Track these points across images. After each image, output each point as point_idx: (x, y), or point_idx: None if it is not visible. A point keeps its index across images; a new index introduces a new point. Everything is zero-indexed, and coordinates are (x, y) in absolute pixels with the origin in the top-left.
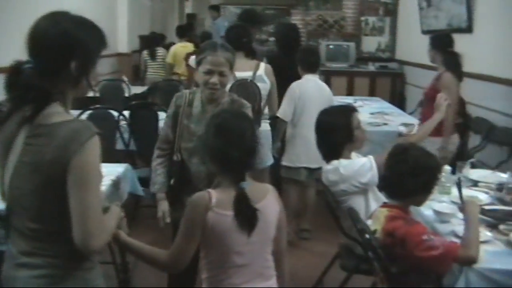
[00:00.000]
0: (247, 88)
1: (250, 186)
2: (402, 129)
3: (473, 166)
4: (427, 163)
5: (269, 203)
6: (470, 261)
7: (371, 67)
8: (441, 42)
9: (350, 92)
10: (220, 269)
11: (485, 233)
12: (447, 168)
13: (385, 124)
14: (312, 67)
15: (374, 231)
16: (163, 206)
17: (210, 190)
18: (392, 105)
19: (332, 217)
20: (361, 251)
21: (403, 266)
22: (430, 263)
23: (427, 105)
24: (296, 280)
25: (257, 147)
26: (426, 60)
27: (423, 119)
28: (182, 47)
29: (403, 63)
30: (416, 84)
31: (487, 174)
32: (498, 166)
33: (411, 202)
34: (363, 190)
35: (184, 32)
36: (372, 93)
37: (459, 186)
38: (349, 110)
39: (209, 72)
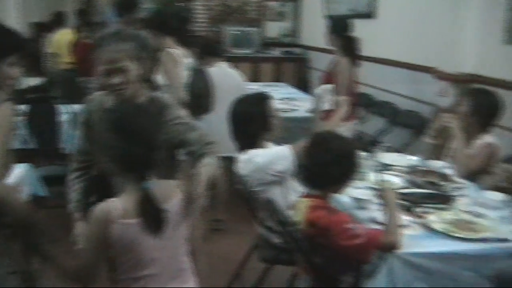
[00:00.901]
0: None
1: (157, 185)
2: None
3: (388, 150)
4: (349, 150)
5: (178, 201)
6: (392, 247)
7: (276, 52)
8: (339, 26)
9: (255, 78)
10: (134, 279)
11: (403, 217)
12: (363, 153)
13: (294, 110)
14: (211, 53)
15: (296, 222)
16: (78, 229)
17: (114, 199)
18: (298, 90)
19: (248, 208)
20: (279, 241)
21: (327, 256)
22: (353, 252)
23: None
24: (214, 275)
25: (161, 143)
26: (328, 44)
27: None
28: (63, 35)
29: (307, 48)
30: (321, 69)
31: (397, 157)
32: (404, 148)
33: (332, 191)
34: (280, 179)
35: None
36: (277, 78)
37: (377, 171)
38: (264, 98)
39: (108, 73)
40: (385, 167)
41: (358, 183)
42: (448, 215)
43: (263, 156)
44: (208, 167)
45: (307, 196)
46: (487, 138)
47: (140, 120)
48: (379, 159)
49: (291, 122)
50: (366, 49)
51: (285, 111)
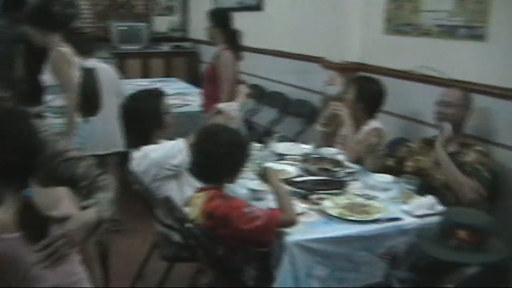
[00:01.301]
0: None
1: (40, 193)
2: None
3: (282, 140)
4: (239, 141)
5: (65, 208)
6: (290, 223)
7: (165, 47)
8: (220, 19)
9: (145, 74)
10: None
11: (299, 205)
12: (257, 144)
13: (186, 105)
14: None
15: (194, 219)
16: None
17: None
18: (189, 85)
19: (145, 206)
20: (179, 238)
21: (229, 247)
22: (255, 234)
23: (208, 84)
24: (115, 278)
25: (41, 148)
26: None
27: (206, 98)
28: None
29: (197, 42)
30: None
31: (291, 146)
32: (296, 137)
33: (226, 182)
34: (176, 173)
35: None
36: (168, 73)
37: (265, 159)
38: (158, 95)
39: None
40: (279, 157)
41: (253, 174)
42: (342, 199)
43: (158, 150)
44: (91, 210)
45: (203, 190)
46: (373, 123)
47: (11, 124)
48: (273, 149)
49: (183, 117)
50: (255, 41)
51: (178, 106)
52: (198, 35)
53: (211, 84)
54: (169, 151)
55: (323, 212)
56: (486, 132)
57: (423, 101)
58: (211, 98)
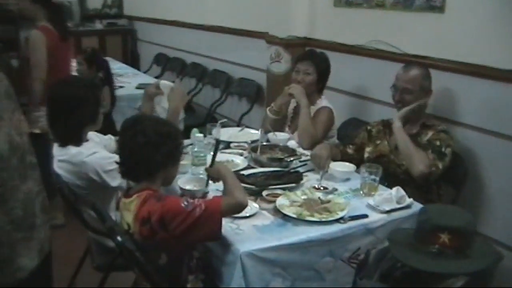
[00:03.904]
0: None
1: None
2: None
3: (225, 125)
4: (166, 130)
5: None
6: (239, 205)
7: (99, 25)
8: None
9: (77, 55)
10: None
11: (251, 205)
12: (198, 134)
13: (122, 87)
14: None
15: (128, 228)
16: None
17: None
18: (125, 64)
19: (72, 212)
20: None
21: (172, 253)
22: (197, 226)
23: None
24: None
25: None
26: (154, 14)
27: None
28: None
29: (132, 18)
30: (148, 40)
31: (236, 132)
32: (240, 119)
33: (160, 180)
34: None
35: None
36: (103, 53)
37: (215, 149)
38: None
39: None
40: (225, 145)
41: (197, 169)
42: (298, 195)
43: (87, 153)
44: None
45: (133, 192)
46: (323, 102)
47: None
48: (216, 136)
49: (120, 101)
50: (189, 16)
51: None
52: (134, 12)
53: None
54: (105, 156)
55: (277, 212)
56: (448, 111)
57: (375, 77)
58: None
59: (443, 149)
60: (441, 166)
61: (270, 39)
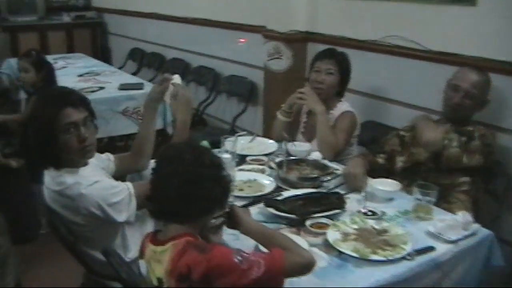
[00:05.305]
0: None
1: None
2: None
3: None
4: (219, 163)
5: None
6: (308, 265)
7: (66, 18)
8: None
9: (43, 51)
10: None
11: (298, 240)
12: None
13: (102, 88)
14: None
15: (158, 283)
16: None
17: None
18: (98, 60)
19: (68, 250)
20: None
21: None
22: None
23: None
24: None
25: None
26: (127, 6)
27: None
28: None
29: (101, 10)
30: (119, 33)
31: (248, 142)
32: (235, 121)
33: (201, 222)
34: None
35: None
36: (70, 49)
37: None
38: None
39: None
40: (239, 158)
41: None
42: (348, 224)
43: (86, 183)
44: None
45: (171, 239)
46: (343, 106)
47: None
48: (231, 150)
49: (100, 105)
50: (177, 9)
51: (92, 90)
52: (103, 3)
53: None
54: (106, 186)
55: (331, 248)
56: (489, 116)
57: (392, 75)
58: None
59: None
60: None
61: (268, 34)
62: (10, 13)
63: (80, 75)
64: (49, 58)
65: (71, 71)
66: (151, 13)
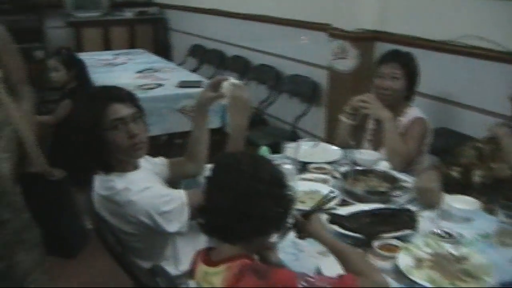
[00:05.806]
0: None
1: None
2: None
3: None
4: (281, 176)
5: None
6: None
7: (128, 13)
8: None
9: (106, 46)
10: None
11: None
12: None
13: (160, 85)
14: None
15: None
16: None
17: None
18: (159, 57)
19: (115, 260)
20: None
21: None
22: None
23: None
24: None
25: None
26: (188, 2)
27: None
28: None
29: (164, 6)
30: (181, 30)
31: (310, 148)
32: (297, 122)
33: (257, 243)
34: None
35: None
36: (132, 44)
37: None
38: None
39: None
40: (301, 165)
41: None
42: (421, 248)
43: (136, 189)
44: None
45: (225, 260)
46: (413, 111)
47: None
48: (294, 157)
49: (158, 102)
50: (244, 6)
51: (149, 87)
52: None
53: None
54: (161, 193)
55: (401, 276)
56: None
57: (467, 79)
58: None
59: None
60: None
61: (334, 32)
62: (76, 8)
63: (139, 71)
64: (110, 53)
65: (131, 67)
66: (212, 9)
